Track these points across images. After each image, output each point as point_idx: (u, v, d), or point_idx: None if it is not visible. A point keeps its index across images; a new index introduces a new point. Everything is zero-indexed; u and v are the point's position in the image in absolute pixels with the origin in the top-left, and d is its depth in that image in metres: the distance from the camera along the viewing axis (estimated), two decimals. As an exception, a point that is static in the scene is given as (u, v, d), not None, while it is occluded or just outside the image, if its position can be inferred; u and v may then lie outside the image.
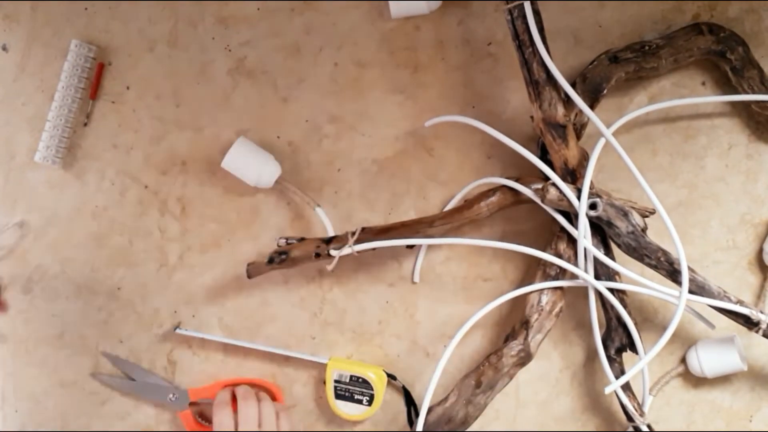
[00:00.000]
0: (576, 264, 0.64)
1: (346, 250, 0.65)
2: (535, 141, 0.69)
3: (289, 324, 0.73)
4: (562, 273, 0.66)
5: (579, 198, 0.62)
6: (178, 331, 0.72)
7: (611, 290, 0.64)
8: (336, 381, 0.70)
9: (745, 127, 0.70)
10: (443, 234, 0.66)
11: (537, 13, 0.62)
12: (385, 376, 0.70)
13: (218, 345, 0.73)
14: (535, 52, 0.62)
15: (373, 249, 0.65)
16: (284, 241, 0.67)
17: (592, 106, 0.66)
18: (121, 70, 0.75)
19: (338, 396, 0.70)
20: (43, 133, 0.73)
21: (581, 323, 0.70)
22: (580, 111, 0.65)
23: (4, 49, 0.76)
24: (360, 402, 0.69)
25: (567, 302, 0.66)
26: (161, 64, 0.74)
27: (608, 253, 0.65)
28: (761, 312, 0.62)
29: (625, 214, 0.63)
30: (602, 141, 0.65)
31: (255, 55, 0.74)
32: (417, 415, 0.66)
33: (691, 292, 0.62)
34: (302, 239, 0.67)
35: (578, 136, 0.67)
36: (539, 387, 0.71)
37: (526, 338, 0.64)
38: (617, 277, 0.65)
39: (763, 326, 0.62)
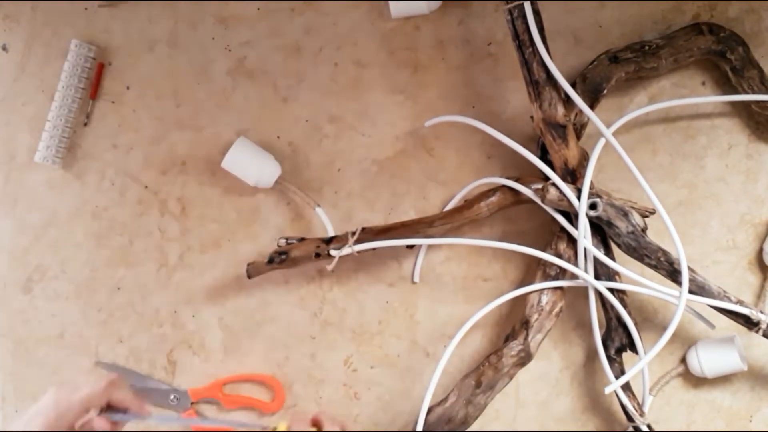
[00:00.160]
0: (576, 264, 0.64)
1: (346, 250, 0.65)
2: (535, 141, 0.69)
3: (289, 324, 0.73)
4: (562, 273, 0.66)
5: (579, 198, 0.62)
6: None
7: (611, 290, 0.64)
8: None
9: (745, 127, 0.70)
10: (443, 234, 0.66)
11: (537, 14, 0.62)
12: None
13: (218, 345, 0.73)
14: (535, 52, 0.62)
15: (373, 249, 0.65)
16: (284, 241, 0.67)
17: (592, 106, 0.66)
18: (121, 70, 0.75)
19: None
20: (43, 133, 0.73)
21: (581, 323, 0.70)
22: (580, 111, 0.65)
23: (4, 49, 0.76)
24: None
25: (567, 302, 0.66)
26: (161, 64, 0.74)
27: (608, 253, 0.65)
28: (761, 312, 0.62)
29: (625, 214, 0.63)
30: (602, 141, 0.65)
31: (255, 55, 0.74)
32: None
33: (691, 292, 0.62)
34: (302, 239, 0.67)
35: (578, 136, 0.67)
36: (539, 387, 0.71)
37: (526, 338, 0.64)
38: (617, 277, 0.65)
39: (763, 326, 0.62)
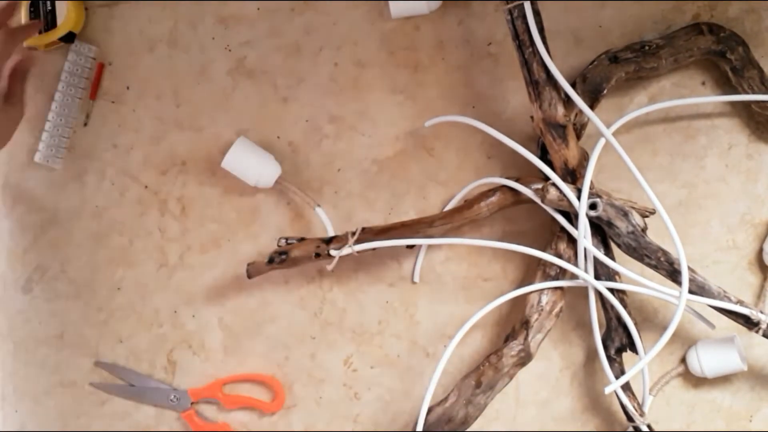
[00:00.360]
0: (576, 264, 0.64)
1: (346, 250, 0.65)
2: (535, 141, 0.69)
3: (289, 324, 0.73)
4: (562, 273, 0.66)
5: (579, 198, 0.62)
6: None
7: (611, 290, 0.64)
8: None
9: (745, 127, 0.70)
10: (443, 234, 0.66)
11: (537, 13, 0.62)
12: None
13: (218, 345, 0.73)
14: (535, 52, 0.62)
15: (373, 249, 0.65)
16: (284, 241, 0.67)
17: (592, 106, 0.66)
18: (121, 70, 0.75)
19: None
20: (43, 134, 0.73)
21: (581, 323, 0.70)
22: (580, 111, 0.65)
23: (4, 49, 0.76)
24: None
25: (567, 302, 0.66)
26: (161, 64, 0.74)
27: (608, 253, 0.65)
28: (761, 312, 0.62)
29: (625, 214, 0.63)
30: (602, 141, 0.65)
31: (255, 55, 0.74)
32: None
33: (691, 292, 0.62)
34: (302, 239, 0.67)
35: (578, 136, 0.67)
36: (539, 387, 0.71)
37: (526, 338, 0.64)
38: (617, 277, 0.65)
39: (763, 326, 0.62)
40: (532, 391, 0.71)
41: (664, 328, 0.62)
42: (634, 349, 0.65)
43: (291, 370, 0.73)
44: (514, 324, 0.66)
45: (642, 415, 0.65)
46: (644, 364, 0.63)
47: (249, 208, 0.73)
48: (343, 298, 0.72)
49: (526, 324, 0.64)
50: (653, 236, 0.64)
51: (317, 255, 0.66)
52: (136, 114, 0.75)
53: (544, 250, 0.65)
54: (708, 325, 0.66)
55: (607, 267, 0.65)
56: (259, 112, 0.74)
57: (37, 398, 0.75)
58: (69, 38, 0.73)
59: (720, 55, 0.67)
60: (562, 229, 0.65)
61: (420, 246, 0.71)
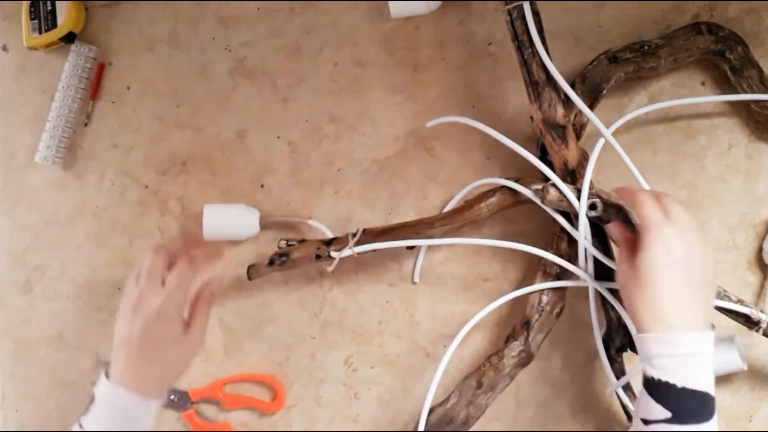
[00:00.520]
0: (576, 264, 0.64)
1: (347, 252, 0.65)
2: (535, 141, 0.69)
3: (289, 324, 0.73)
4: (562, 273, 0.66)
5: (579, 198, 0.62)
6: None
7: (611, 290, 0.64)
8: None
9: (745, 127, 0.70)
10: (443, 235, 0.66)
11: (536, 14, 0.62)
12: None
13: (218, 345, 0.73)
14: (535, 52, 0.62)
15: (374, 250, 0.65)
16: (285, 242, 0.67)
17: (591, 107, 0.66)
18: (122, 70, 0.75)
19: None
20: (44, 133, 0.73)
21: (581, 323, 0.70)
22: (580, 111, 0.65)
23: (4, 49, 0.76)
24: None
25: (567, 302, 0.66)
26: (161, 64, 0.74)
27: (608, 253, 0.65)
28: (761, 311, 0.62)
29: (626, 215, 0.63)
30: (602, 141, 0.65)
31: (255, 55, 0.74)
32: None
33: None
34: (303, 241, 0.67)
35: (578, 137, 0.67)
36: (539, 387, 0.71)
37: (527, 339, 0.64)
38: (617, 277, 0.65)
39: (764, 325, 0.62)
40: (532, 391, 0.71)
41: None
42: (634, 349, 0.65)
43: (291, 370, 0.73)
44: (514, 324, 0.66)
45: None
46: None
47: (249, 208, 0.73)
48: (343, 298, 0.72)
49: (527, 324, 0.64)
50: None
51: (317, 257, 0.66)
52: (137, 114, 0.75)
53: (544, 250, 0.65)
54: None
55: (607, 267, 0.65)
56: (259, 112, 0.74)
57: (37, 398, 0.75)
58: (69, 38, 0.73)
59: (719, 55, 0.67)
60: (562, 229, 0.65)
61: (420, 246, 0.71)
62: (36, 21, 0.73)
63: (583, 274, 0.64)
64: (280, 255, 0.66)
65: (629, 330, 0.64)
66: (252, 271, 0.68)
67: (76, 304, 0.75)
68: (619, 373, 0.65)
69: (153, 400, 0.55)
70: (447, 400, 0.64)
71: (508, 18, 0.62)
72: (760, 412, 0.69)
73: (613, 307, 0.65)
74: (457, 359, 0.71)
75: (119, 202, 0.74)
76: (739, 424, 0.69)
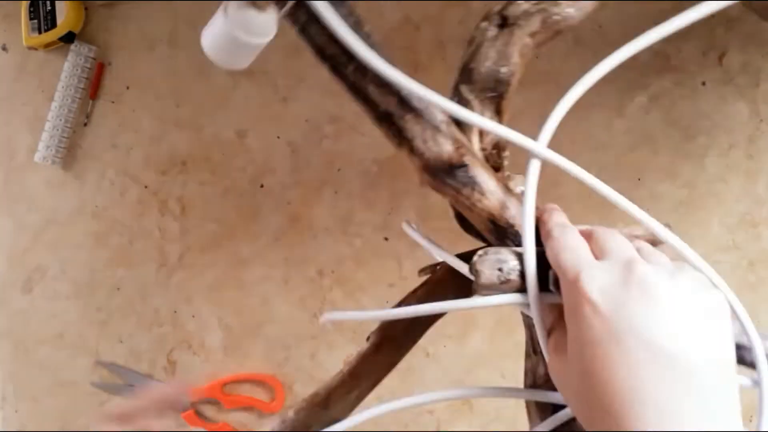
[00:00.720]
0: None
1: None
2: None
3: (289, 324, 0.73)
4: None
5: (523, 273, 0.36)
6: None
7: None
8: None
9: (745, 127, 0.70)
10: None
11: (344, 9, 0.37)
12: None
13: (218, 345, 0.73)
14: (362, 66, 0.36)
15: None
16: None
17: (499, 110, 0.42)
18: (121, 70, 0.75)
19: None
20: (43, 133, 0.73)
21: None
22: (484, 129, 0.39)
23: (4, 48, 0.76)
24: None
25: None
26: (161, 64, 0.74)
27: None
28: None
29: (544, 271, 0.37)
30: (536, 163, 0.39)
31: (255, 55, 0.73)
32: None
33: None
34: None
35: (497, 167, 0.42)
36: (539, 387, 0.71)
37: None
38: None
39: None
40: (532, 391, 0.71)
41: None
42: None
43: (291, 370, 0.73)
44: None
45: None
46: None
47: (249, 208, 0.73)
48: (343, 298, 0.72)
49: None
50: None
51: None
52: (136, 114, 0.74)
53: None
54: None
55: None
56: (259, 112, 0.73)
57: (37, 398, 0.75)
58: (69, 38, 0.73)
59: None
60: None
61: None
62: (35, 21, 0.73)
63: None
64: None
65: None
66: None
67: (76, 304, 0.75)
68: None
69: None
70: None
71: (295, 27, 0.37)
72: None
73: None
74: (458, 359, 0.71)
75: (119, 202, 0.74)
76: (739, 424, 0.69)
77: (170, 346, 0.74)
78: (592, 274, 0.30)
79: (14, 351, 0.75)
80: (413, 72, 0.74)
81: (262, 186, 0.73)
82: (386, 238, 0.71)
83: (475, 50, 0.41)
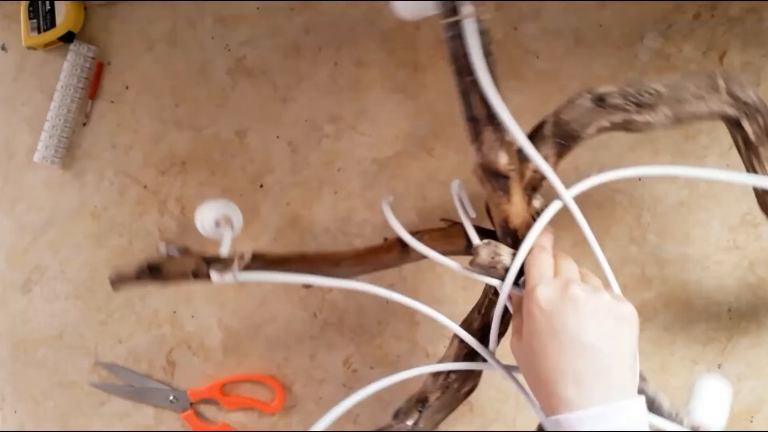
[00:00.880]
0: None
1: (228, 278, 0.53)
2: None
3: (289, 324, 0.73)
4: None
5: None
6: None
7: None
8: None
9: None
10: (350, 276, 0.56)
11: (484, 34, 0.47)
12: None
13: (218, 345, 0.73)
14: (476, 82, 0.47)
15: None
16: (165, 248, 0.56)
17: (559, 155, 0.52)
18: (121, 70, 0.75)
19: None
20: (43, 133, 0.73)
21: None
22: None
23: (3, 48, 0.76)
24: None
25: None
26: (161, 64, 0.74)
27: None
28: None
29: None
30: (557, 204, 0.50)
31: (254, 54, 0.73)
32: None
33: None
34: (186, 251, 0.56)
35: (535, 188, 0.52)
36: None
37: (418, 420, 0.57)
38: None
39: None
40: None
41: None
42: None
43: (291, 371, 0.73)
44: (410, 396, 0.59)
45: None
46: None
47: (249, 208, 0.73)
48: (343, 298, 0.72)
49: (422, 403, 0.57)
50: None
51: (195, 275, 0.54)
52: (136, 114, 0.74)
53: (477, 310, 0.58)
54: None
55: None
56: (259, 112, 0.73)
57: (36, 398, 0.75)
58: (68, 38, 0.73)
59: (733, 123, 0.53)
60: (496, 292, 0.54)
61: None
62: (35, 20, 0.73)
63: (490, 358, 0.55)
64: (150, 269, 0.54)
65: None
66: (116, 280, 0.55)
67: (75, 304, 0.75)
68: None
69: None
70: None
71: (448, 35, 0.47)
72: (760, 413, 0.69)
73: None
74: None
75: (118, 202, 0.74)
76: (739, 425, 0.69)
77: (169, 347, 0.74)
78: (544, 288, 0.45)
79: (13, 351, 0.75)
80: (413, 71, 0.74)
81: (261, 186, 0.73)
82: (386, 239, 0.71)
83: (569, 105, 0.52)
